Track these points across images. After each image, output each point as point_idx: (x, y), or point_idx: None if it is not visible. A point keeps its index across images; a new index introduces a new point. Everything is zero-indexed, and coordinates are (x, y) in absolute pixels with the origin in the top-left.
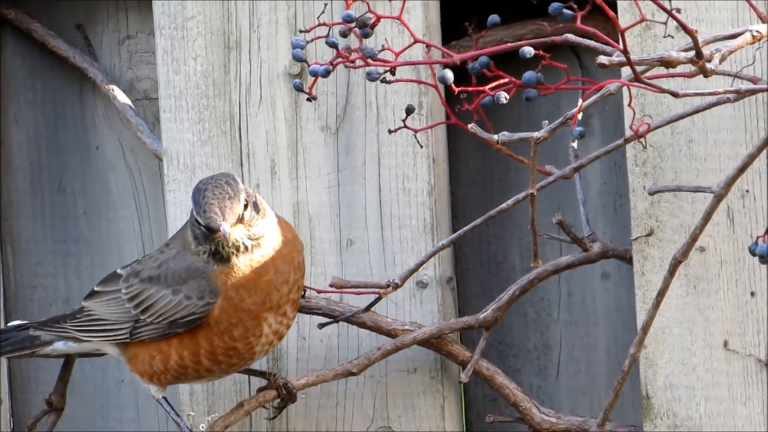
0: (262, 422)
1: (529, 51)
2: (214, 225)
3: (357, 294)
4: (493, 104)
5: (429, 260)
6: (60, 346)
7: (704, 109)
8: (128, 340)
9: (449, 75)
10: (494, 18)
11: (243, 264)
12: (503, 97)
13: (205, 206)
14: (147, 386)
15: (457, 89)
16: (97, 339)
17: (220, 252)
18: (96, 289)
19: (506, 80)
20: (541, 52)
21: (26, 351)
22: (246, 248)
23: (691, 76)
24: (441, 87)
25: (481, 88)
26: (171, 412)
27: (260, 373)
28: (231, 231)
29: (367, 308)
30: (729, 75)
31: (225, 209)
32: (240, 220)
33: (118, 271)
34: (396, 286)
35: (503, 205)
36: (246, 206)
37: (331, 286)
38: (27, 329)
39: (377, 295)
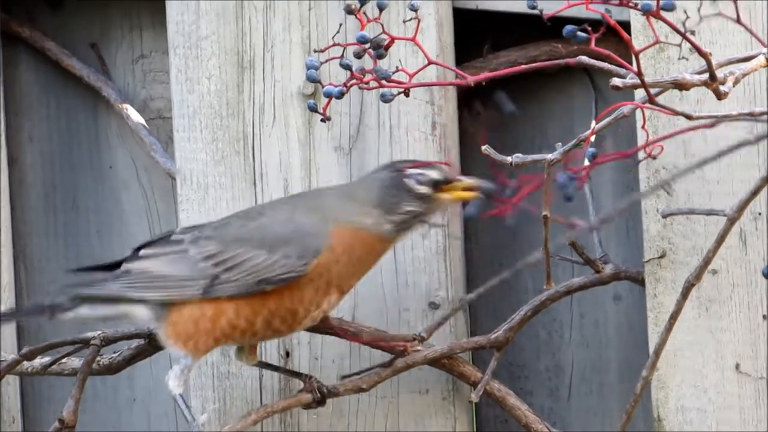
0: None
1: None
2: (454, 175)
3: (386, 349)
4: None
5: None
6: (84, 311)
7: (727, 152)
8: (200, 297)
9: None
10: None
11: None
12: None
13: (433, 164)
14: (177, 352)
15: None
16: (155, 295)
17: (427, 215)
18: (143, 253)
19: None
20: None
21: (44, 315)
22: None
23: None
24: (454, 104)
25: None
26: (185, 410)
27: (296, 374)
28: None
29: (390, 363)
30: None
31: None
32: None
33: (173, 237)
34: (422, 340)
35: (518, 265)
36: None
37: (364, 344)
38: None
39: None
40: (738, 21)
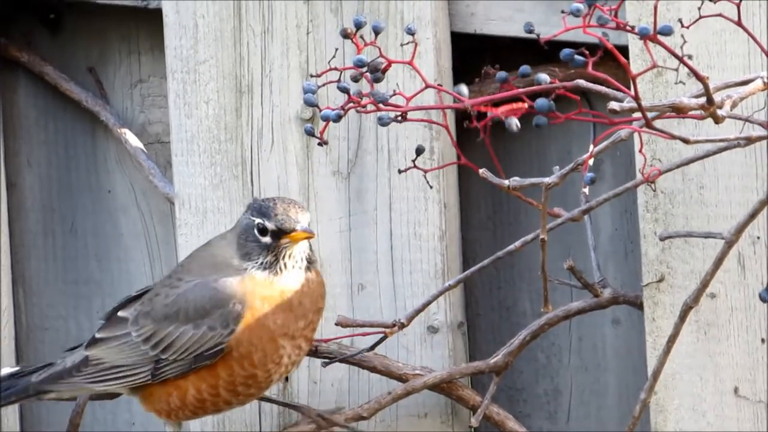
0: None
1: (544, 78)
2: (289, 225)
3: (364, 335)
4: (503, 134)
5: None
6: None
7: (714, 153)
8: (150, 382)
9: (465, 90)
10: (525, 69)
11: (280, 283)
12: (514, 124)
13: (277, 210)
14: (163, 422)
15: (472, 108)
16: (114, 386)
17: (280, 262)
18: (98, 336)
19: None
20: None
21: (32, 397)
22: (301, 262)
23: (701, 118)
24: (452, 128)
25: (491, 109)
26: None
27: (293, 406)
28: (308, 228)
29: (372, 347)
30: (740, 119)
31: (299, 214)
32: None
33: (120, 314)
34: (402, 326)
35: (511, 247)
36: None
37: (336, 324)
38: (28, 376)
39: (383, 335)
40: (738, 23)
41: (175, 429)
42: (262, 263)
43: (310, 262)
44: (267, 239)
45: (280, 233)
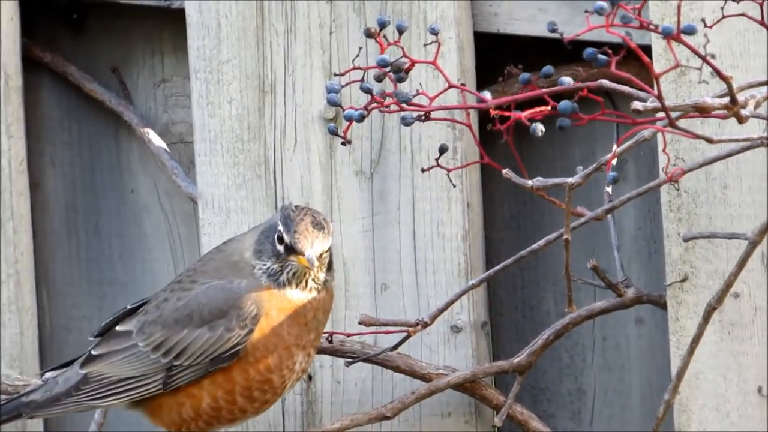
0: None
1: (568, 81)
2: (300, 247)
3: (387, 333)
4: (526, 134)
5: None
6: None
7: (737, 153)
8: (161, 392)
9: (488, 95)
10: (548, 69)
11: (293, 295)
12: (539, 129)
13: (298, 227)
14: None
15: (496, 112)
16: (120, 400)
17: (284, 276)
18: (95, 353)
19: (542, 109)
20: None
21: (24, 416)
22: (305, 285)
23: (724, 117)
24: (475, 127)
25: (514, 114)
26: None
27: None
28: (313, 260)
29: (396, 347)
30: (763, 118)
31: (315, 241)
32: (319, 258)
33: (119, 329)
34: (425, 325)
35: (534, 246)
36: (328, 251)
37: (360, 323)
38: (20, 398)
39: (407, 334)
40: (761, 23)
41: None
42: (268, 268)
43: (325, 282)
44: (281, 248)
45: (291, 250)
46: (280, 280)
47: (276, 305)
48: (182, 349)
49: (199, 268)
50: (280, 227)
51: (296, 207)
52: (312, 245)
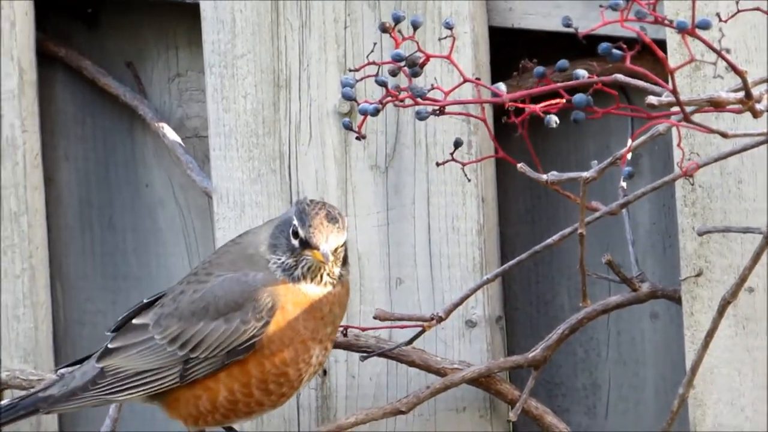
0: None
1: (583, 74)
2: (315, 242)
3: (401, 327)
4: (541, 129)
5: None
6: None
7: (752, 147)
8: (178, 384)
9: (503, 87)
10: (563, 63)
11: (308, 290)
12: (553, 121)
13: (313, 222)
14: (188, 429)
15: (510, 105)
16: (137, 394)
17: (298, 270)
18: (111, 346)
19: (556, 102)
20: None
21: (41, 411)
22: (320, 279)
23: (739, 112)
24: (490, 121)
25: (529, 107)
26: None
27: None
28: (328, 254)
29: (410, 341)
30: None
31: (330, 235)
32: (334, 253)
33: (135, 322)
34: (440, 319)
35: (549, 240)
36: (343, 246)
37: (375, 318)
38: (36, 393)
39: (422, 329)
40: None
41: None
42: (283, 262)
43: (340, 277)
44: (296, 243)
45: (306, 245)
46: (294, 274)
47: (292, 299)
48: (199, 342)
49: (214, 260)
50: (295, 222)
51: (311, 201)
52: (327, 240)
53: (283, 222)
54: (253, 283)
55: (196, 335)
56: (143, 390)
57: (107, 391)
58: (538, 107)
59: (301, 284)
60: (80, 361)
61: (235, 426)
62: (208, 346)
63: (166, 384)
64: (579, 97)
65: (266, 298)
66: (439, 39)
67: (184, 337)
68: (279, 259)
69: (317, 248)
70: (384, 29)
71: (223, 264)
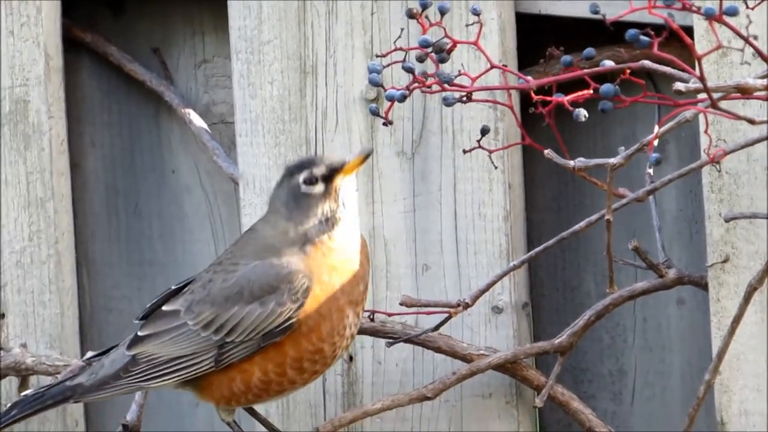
0: None
1: (610, 65)
2: (338, 159)
3: (428, 314)
4: (568, 117)
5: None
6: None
7: None
8: (213, 369)
9: (584, 113)
10: (590, 51)
11: (338, 247)
12: (582, 115)
13: (317, 154)
14: (219, 409)
15: (537, 97)
16: (171, 380)
17: (338, 207)
18: (142, 334)
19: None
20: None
21: (71, 400)
22: (340, 224)
23: (767, 99)
24: (517, 108)
25: (556, 99)
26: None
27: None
28: (363, 151)
29: (437, 327)
30: None
31: (341, 151)
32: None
33: (165, 308)
34: (466, 306)
35: (576, 227)
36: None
37: (401, 304)
38: (63, 382)
39: (448, 315)
40: None
41: (231, 417)
42: (322, 215)
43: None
44: (319, 187)
45: (332, 173)
46: (338, 215)
47: (326, 265)
48: (234, 326)
49: (237, 251)
50: (303, 174)
51: (293, 160)
52: (345, 153)
53: (290, 195)
54: (287, 266)
55: (231, 319)
56: (178, 375)
57: (140, 379)
58: (565, 99)
59: (336, 230)
60: (105, 352)
61: (261, 412)
62: (244, 329)
63: (202, 369)
64: (606, 87)
65: (302, 279)
66: (467, 25)
67: (218, 322)
68: (317, 218)
69: (344, 162)
70: (411, 15)
71: (247, 254)
